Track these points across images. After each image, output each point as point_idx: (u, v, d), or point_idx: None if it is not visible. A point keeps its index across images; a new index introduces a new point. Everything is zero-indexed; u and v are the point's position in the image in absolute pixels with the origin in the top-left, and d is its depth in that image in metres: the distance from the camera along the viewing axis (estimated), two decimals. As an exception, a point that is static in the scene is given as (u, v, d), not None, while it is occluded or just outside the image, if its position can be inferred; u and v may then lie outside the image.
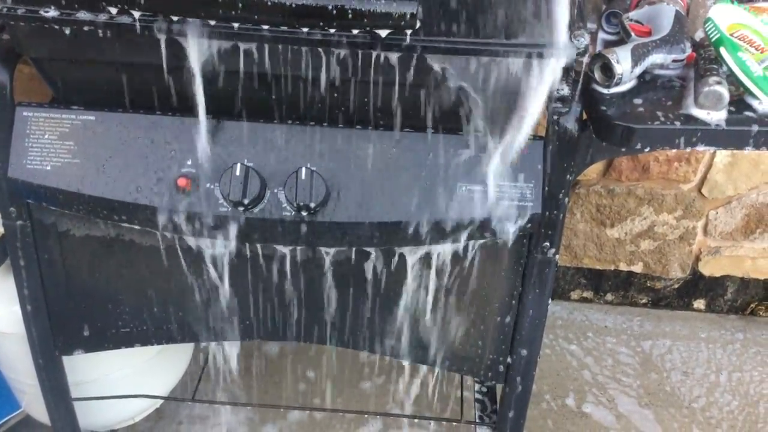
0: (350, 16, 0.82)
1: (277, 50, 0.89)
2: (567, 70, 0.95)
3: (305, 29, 0.84)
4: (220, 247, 1.06)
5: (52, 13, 0.87)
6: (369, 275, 1.08)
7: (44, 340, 1.19)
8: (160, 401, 1.52)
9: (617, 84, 0.93)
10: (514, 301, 1.11)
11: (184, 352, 1.56)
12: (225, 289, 1.11)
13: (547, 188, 0.98)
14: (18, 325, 1.19)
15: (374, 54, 0.88)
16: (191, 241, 1.05)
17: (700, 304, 2.03)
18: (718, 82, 0.89)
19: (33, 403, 1.41)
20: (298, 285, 1.10)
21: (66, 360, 1.24)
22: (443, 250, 1.04)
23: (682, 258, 1.90)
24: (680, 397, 1.78)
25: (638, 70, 0.93)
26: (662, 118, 0.90)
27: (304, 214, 0.97)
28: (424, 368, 1.23)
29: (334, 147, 0.98)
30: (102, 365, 1.36)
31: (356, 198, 0.98)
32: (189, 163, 0.98)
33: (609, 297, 2.03)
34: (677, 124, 0.90)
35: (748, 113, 0.91)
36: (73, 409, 1.32)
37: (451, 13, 0.85)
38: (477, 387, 1.54)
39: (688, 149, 0.92)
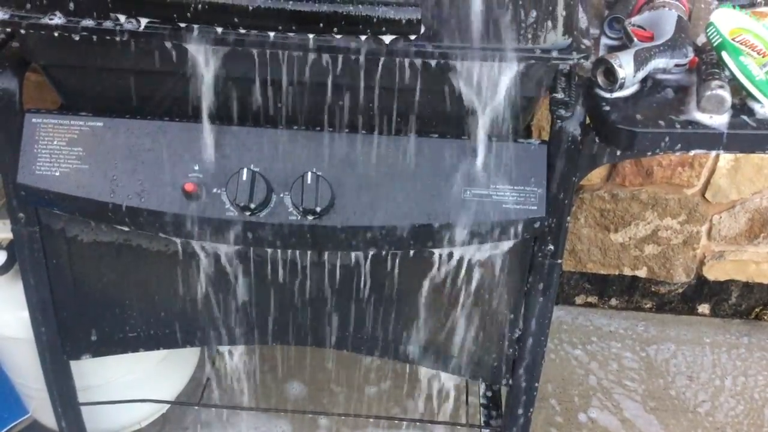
0: (355, 22, 0.83)
1: (283, 56, 0.90)
2: (570, 75, 0.96)
3: (311, 35, 0.85)
4: (226, 252, 1.06)
5: (57, 20, 0.88)
6: (374, 280, 1.09)
7: (52, 345, 1.20)
8: (167, 406, 1.53)
9: (620, 88, 0.93)
10: (519, 306, 1.11)
11: (191, 357, 1.57)
12: (232, 293, 1.12)
13: (551, 193, 0.99)
14: (26, 330, 1.20)
15: (378, 59, 0.88)
16: (198, 246, 1.06)
17: (704, 308, 2.03)
18: (721, 86, 0.89)
19: (40, 408, 1.41)
20: (305, 289, 1.11)
21: (73, 365, 1.24)
22: (448, 255, 1.05)
23: (687, 263, 1.91)
24: (685, 402, 1.78)
25: (641, 74, 0.94)
26: (665, 122, 0.90)
27: (310, 218, 0.98)
28: (429, 371, 1.23)
29: (340, 152, 0.98)
30: (109, 370, 1.36)
31: (361, 202, 0.98)
32: (196, 168, 0.99)
33: (613, 302, 2.03)
34: (680, 128, 0.90)
35: (750, 117, 0.92)
36: (81, 414, 1.32)
37: (455, 18, 0.86)
38: (482, 391, 1.55)
39: (692, 153, 0.93)
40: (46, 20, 0.88)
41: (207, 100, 0.94)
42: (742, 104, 0.93)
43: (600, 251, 1.89)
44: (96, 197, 0.99)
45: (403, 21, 0.82)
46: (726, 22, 0.94)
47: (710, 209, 1.82)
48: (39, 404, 1.41)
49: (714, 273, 1.94)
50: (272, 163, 0.99)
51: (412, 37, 0.85)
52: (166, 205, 0.99)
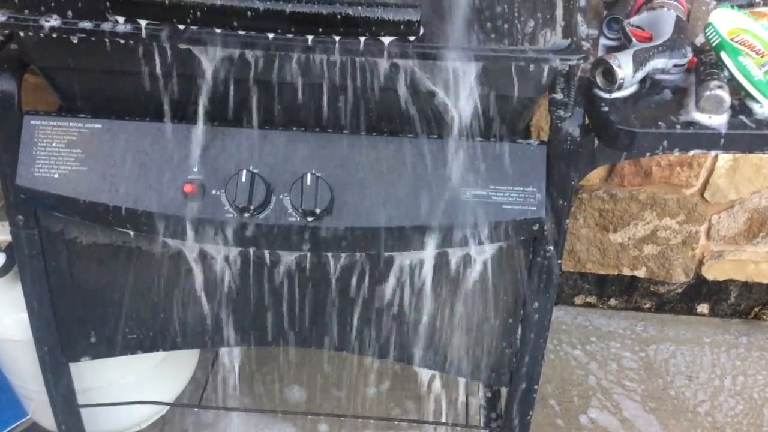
0: (354, 24, 0.83)
1: (282, 58, 0.90)
2: (569, 76, 0.96)
3: (310, 37, 0.85)
4: (225, 253, 1.06)
5: (53, 22, 0.88)
6: (374, 280, 1.09)
7: (51, 347, 1.20)
8: (166, 408, 1.53)
9: (619, 88, 0.94)
10: (518, 306, 1.11)
11: (190, 359, 1.57)
12: (231, 295, 1.12)
13: (550, 193, 0.99)
14: (25, 332, 1.20)
15: (378, 61, 0.88)
16: (197, 248, 1.06)
17: (703, 308, 2.03)
18: (719, 86, 0.89)
19: (40, 410, 1.41)
20: (304, 291, 1.11)
21: (73, 367, 1.24)
22: (448, 255, 1.05)
23: (686, 262, 1.91)
24: (685, 402, 1.78)
25: (640, 74, 0.94)
26: (664, 123, 0.91)
27: (309, 219, 0.98)
28: (428, 373, 1.23)
29: (339, 153, 0.98)
30: (108, 372, 1.36)
31: (361, 203, 0.98)
32: (195, 169, 0.99)
33: (612, 302, 2.03)
34: (679, 128, 0.90)
35: (749, 117, 0.92)
36: (80, 416, 1.32)
37: (454, 19, 0.86)
38: (482, 392, 1.55)
39: (691, 153, 0.93)
40: (43, 22, 0.88)
41: (206, 102, 0.94)
42: (740, 104, 0.93)
43: (599, 251, 1.89)
44: (95, 199, 0.99)
45: (403, 22, 0.82)
46: (724, 22, 0.94)
47: (709, 209, 1.82)
48: (38, 406, 1.41)
49: (713, 273, 1.94)
50: (271, 165, 0.99)
51: (412, 39, 0.85)
52: (166, 206, 0.99)
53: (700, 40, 1.01)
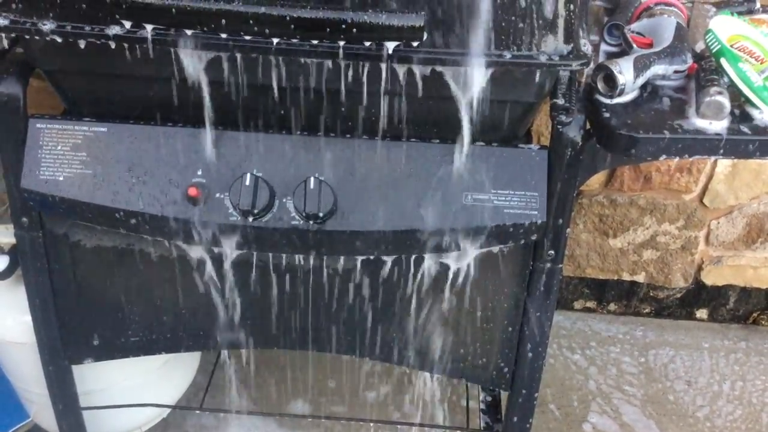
0: (359, 28, 0.83)
1: (287, 62, 0.90)
2: (570, 81, 0.97)
3: (315, 41, 0.86)
4: (229, 257, 1.07)
5: (55, 26, 0.89)
6: (376, 284, 1.09)
7: (54, 350, 1.20)
8: (168, 410, 1.53)
9: (620, 94, 0.94)
10: (519, 310, 1.12)
11: (192, 361, 1.57)
12: (234, 298, 1.12)
13: (551, 198, 1.00)
14: (28, 335, 1.20)
15: (382, 65, 0.89)
16: (201, 251, 1.06)
17: (702, 313, 2.03)
18: (719, 92, 0.90)
19: (42, 412, 1.42)
20: (306, 294, 1.11)
21: (75, 369, 1.25)
22: (450, 259, 1.06)
23: (685, 268, 1.91)
24: (684, 407, 1.78)
25: (640, 80, 0.95)
26: (664, 128, 0.91)
27: (312, 223, 0.98)
28: (429, 376, 1.24)
29: (342, 157, 0.99)
30: (111, 374, 1.37)
31: (364, 207, 0.99)
32: (199, 173, 0.99)
33: (612, 307, 2.04)
34: (679, 133, 0.91)
35: (748, 123, 0.92)
36: (82, 419, 1.33)
37: (457, 25, 0.87)
38: (482, 396, 1.55)
39: (691, 158, 0.94)
40: (47, 26, 0.88)
41: (210, 106, 0.95)
42: (740, 111, 0.94)
43: (599, 256, 1.90)
44: (99, 202, 1.00)
45: (406, 28, 0.83)
46: (724, 29, 0.95)
47: (708, 214, 1.83)
48: (40, 409, 1.41)
49: (712, 278, 1.95)
50: (275, 168, 0.99)
51: (415, 44, 0.86)
52: (170, 209, 0.99)
53: (700, 46, 1.02)
